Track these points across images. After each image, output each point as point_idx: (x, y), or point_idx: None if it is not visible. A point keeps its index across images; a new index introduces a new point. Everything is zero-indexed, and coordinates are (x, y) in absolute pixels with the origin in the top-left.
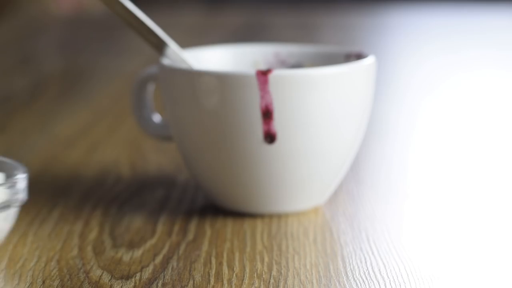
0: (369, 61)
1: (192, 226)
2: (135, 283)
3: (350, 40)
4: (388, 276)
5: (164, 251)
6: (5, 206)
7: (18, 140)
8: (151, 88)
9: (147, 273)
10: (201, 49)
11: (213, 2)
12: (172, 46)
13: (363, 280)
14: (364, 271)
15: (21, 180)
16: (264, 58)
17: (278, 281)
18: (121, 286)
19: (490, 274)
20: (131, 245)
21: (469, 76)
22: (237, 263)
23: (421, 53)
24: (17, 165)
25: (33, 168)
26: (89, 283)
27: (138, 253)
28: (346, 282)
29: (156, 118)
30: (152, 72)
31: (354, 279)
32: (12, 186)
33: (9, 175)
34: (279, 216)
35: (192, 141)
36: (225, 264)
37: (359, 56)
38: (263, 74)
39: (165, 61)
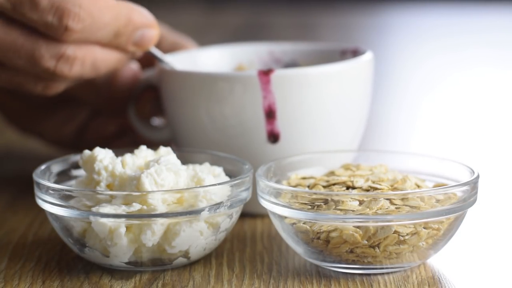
0: (370, 57)
1: None
2: (135, 283)
3: (349, 39)
4: (388, 276)
5: None
6: (230, 204)
7: (18, 140)
8: (149, 90)
9: (147, 273)
10: (201, 49)
11: (213, 2)
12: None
13: (363, 281)
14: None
15: (246, 178)
16: (258, 56)
17: (278, 282)
18: (121, 286)
19: (490, 274)
20: None
21: (468, 76)
22: (237, 263)
23: (420, 52)
24: (241, 163)
25: (33, 168)
26: (89, 283)
27: None
28: (346, 283)
29: (156, 121)
30: (151, 75)
31: (354, 279)
32: (237, 184)
33: (234, 173)
34: None
35: (194, 142)
36: (225, 264)
37: (355, 52)
38: (265, 74)
39: (165, 63)
